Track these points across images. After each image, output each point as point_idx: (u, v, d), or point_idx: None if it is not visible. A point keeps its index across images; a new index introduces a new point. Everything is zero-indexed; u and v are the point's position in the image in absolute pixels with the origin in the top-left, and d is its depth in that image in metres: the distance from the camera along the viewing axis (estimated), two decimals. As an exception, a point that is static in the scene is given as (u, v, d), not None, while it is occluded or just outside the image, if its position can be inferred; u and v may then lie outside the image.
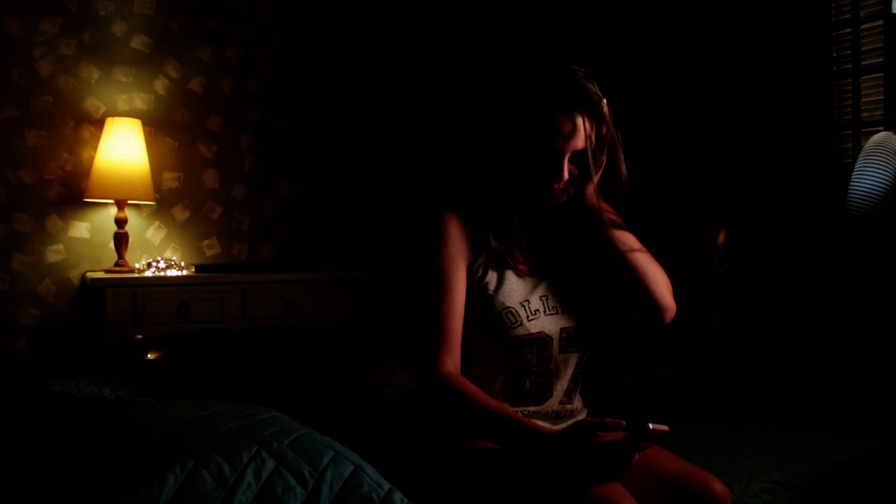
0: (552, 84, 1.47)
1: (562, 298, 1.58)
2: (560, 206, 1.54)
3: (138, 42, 3.37)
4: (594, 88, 1.48)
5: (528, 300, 1.54)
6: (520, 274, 1.56)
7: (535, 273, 1.58)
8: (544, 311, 1.55)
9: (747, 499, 1.62)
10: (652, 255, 1.58)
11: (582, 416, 1.65)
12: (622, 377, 2.43)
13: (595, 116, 1.48)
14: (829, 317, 2.64)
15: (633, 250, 1.54)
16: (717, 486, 1.43)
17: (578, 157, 1.48)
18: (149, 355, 3.41)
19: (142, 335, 3.27)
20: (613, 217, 1.56)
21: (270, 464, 1.30)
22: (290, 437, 1.36)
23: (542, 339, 1.53)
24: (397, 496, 1.32)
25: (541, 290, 1.57)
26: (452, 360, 1.47)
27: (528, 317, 1.53)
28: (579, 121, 1.46)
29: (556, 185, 1.48)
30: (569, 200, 1.54)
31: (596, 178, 1.52)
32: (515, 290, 1.54)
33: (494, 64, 4.00)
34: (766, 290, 2.98)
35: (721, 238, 2.95)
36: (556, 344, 1.55)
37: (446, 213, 1.53)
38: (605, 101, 1.50)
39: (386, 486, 1.33)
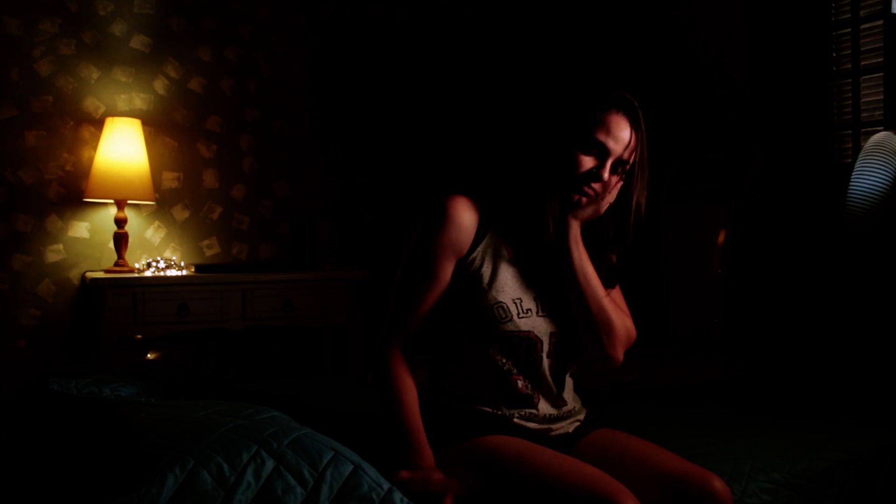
0: (616, 94, 1.54)
1: (557, 303, 1.58)
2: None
3: (138, 42, 3.38)
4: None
5: (521, 298, 1.55)
6: (517, 271, 1.56)
7: (534, 273, 1.58)
8: (537, 312, 1.55)
9: (747, 498, 1.62)
10: (615, 305, 1.59)
11: (580, 417, 1.65)
12: (622, 377, 2.42)
13: (639, 141, 1.54)
14: (829, 317, 2.64)
15: (594, 291, 1.55)
16: (718, 484, 1.43)
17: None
18: (149, 355, 3.41)
19: (142, 335, 3.27)
20: (585, 258, 1.56)
21: (270, 463, 1.30)
22: (290, 436, 1.36)
23: (530, 339, 1.54)
24: (397, 496, 1.32)
25: (536, 291, 1.57)
26: (405, 346, 1.55)
27: (518, 314, 1.53)
28: (630, 132, 1.52)
29: (593, 184, 1.50)
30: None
31: (608, 198, 1.55)
32: (509, 287, 1.54)
33: (503, 66, 4.00)
34: (766, 290, 2.98)
35: (721, 238, 2.95)
36: (545, 346, 1.55)
37: (456, 199, 1.54)
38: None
39: (386, 485, 1.33)
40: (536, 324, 1.55)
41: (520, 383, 1.54)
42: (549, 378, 1.57)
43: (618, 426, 1.66)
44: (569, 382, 1.64)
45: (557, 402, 1.59)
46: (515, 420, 1.54)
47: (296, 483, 1.29)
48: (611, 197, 1.55)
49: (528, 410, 1.55)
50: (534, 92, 4.00)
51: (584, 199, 1.52)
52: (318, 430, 1.45)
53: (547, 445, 1.52)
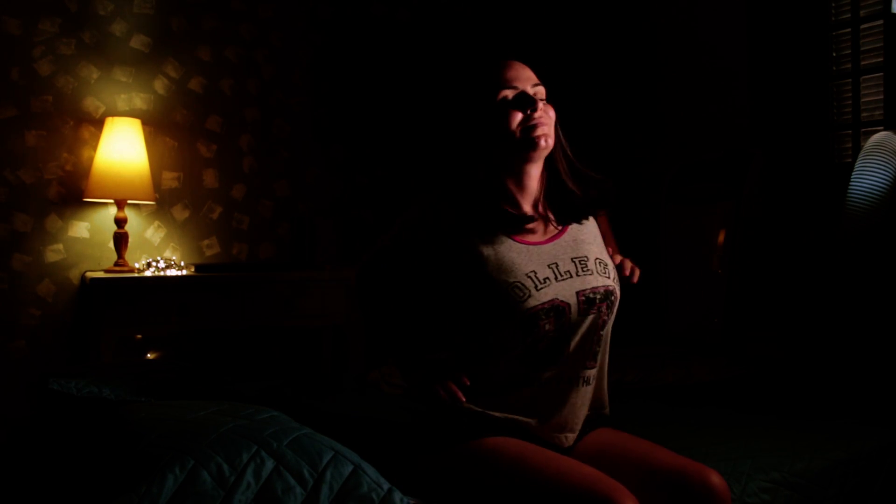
0: (498, 54, 1.66)
1: (574, 262, 1.56)
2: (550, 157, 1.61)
3: (138, 42, 3.38)
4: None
5: (534, 270, 1.52)
6: (521, 245, 1.55)
7: (539, 242, 1.57)
8: (555, 278, 1.52)
9: (746, 498, 1.62)
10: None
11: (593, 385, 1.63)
12: (622, 377, 2.43)
13: (539, 79, 1.62)
14: (829, 317, 2.64)
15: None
16: (715, 478, 1.43)
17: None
18: (149, 355, 3.41)
19: (142, 335, 3.27)
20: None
21: (270, 464, 1.30)
22: (290, 436, 1.36)
23: (557, 308, 1.50)
24: (397, 496, 1.32)
25: (548, 259, 1.55)
26: (382, 273, 1.66)
27: (536, 286, 1.50)
28: (526, 68, 1.61)
29: (533, 115, 1.54)
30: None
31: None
32: (517, 264, 1.52)
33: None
34: (766, 290, 2.98)
35: (721, 238, 2.95)
36: (573, 309, 1.52)
37: (436, 199, 1.60)
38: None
39: (385, 485, 1.33)
40: (559, 289, 1.51)
41: (541, 346, 1.51)
42: (576, 334, 1.53)
43: (618, 426, 1.66)
44: (602, 342, 1.60)
45: (590, 363, 1.57)
46: (543, 377, 1.54)
47: (296, 483, 1.29)
48: (551, 118, 1.58)
49: (548, 372, 1.53)
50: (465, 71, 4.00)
51: (543, 142, 1.54)
52: (317, 430, 1.45)
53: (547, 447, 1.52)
